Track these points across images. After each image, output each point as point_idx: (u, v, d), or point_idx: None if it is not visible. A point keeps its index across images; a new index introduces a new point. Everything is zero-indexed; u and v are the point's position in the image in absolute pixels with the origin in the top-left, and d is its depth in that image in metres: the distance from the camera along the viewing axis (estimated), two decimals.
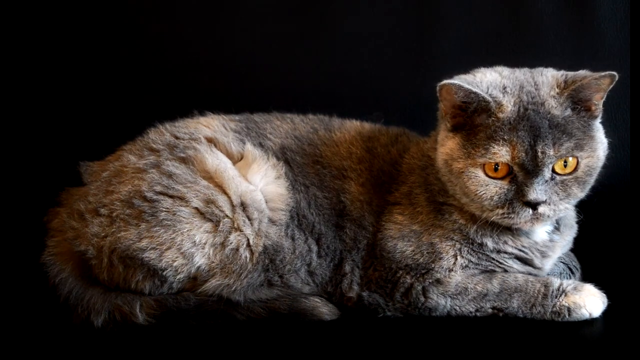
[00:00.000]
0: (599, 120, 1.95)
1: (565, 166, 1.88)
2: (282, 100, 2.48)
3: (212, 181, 2.02)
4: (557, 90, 1.91)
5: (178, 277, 1.99)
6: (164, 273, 1.98)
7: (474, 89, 1.87)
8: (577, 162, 1.89)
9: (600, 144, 1.93)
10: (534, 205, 1.88)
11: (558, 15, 2.81)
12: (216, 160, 2.05)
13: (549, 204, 1.89)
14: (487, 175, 1.91)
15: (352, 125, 2.25)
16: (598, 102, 1.92)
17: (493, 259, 2.02)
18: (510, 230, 2.00)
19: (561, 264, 2.15)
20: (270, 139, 2.19)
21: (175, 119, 2.24)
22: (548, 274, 2.08)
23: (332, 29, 2.93)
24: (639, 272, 2.25)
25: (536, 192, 1.87)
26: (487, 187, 1.91)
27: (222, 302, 2.02)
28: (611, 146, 1.98)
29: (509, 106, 1.90)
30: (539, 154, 1.85)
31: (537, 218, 1.90)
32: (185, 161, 2.05)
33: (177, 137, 2.13)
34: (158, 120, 2.23)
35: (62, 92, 2.95)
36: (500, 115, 1.89)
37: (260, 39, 2.95)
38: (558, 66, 1.99)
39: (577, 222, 2.16)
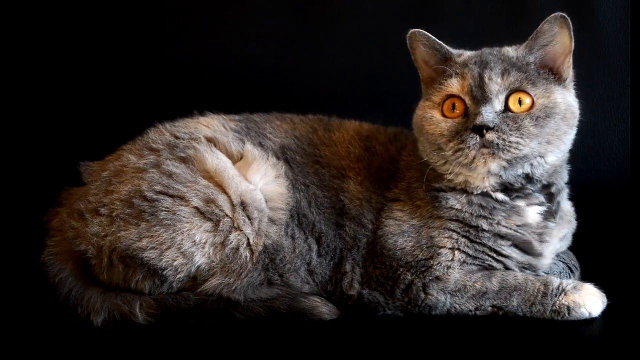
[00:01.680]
0: (568, 83, 2.02)
1: (520, 105, 1.94)
2: (282, 100, 2.49)
3: (212, 181, 2.02)
4: (516, 45, 2.04)
5: (178, 276, 1.99)
6: (164, 273, 1.98)
7: (435, 39, 2.04)
8: (533, 102, 1.94)
9: (564, 98, 1.98)
10: (480, 131, 1.90)
11: None
12: (216, 160, 2.05)
13: (498, 132, 1.90)
14: (444, 115, 2.00)
15: (351, 125, 2.26)
16: (562, 64, 2.00)
17: (491, 248, 2.01)
18: (499, 203, 2.01)
19: (561, 263, 2.15)
20: (270, 139, 2.19)
21: (175, 119, 2.25)
22: (548, 273, 2.08)
23: (332, 29, 2.94)
24: (639, 272, 2.26)
25: (482, 117, 1.90)
26: (439, 125, 1.99)
27: (222, 302, 2.02)
28: (611, 146, 1.99)
29: (467, 53, 2.06)
30: (487, 80, 1.94)
31: (488, 149, 1.91)
32: (185, 161, 2.05)
33: (177, 137, 2.13)
34: (158, 120, 2.23)
35: (62, 92, 2.96)
36: (458, 60, 2.04)
37: (260, 39, 2.96)
38: None
39: (577, 220, 2.17)
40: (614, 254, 2.41)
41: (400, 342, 1.92)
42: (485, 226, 2.01)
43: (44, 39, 2.95)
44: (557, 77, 2.00)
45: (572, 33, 1.96)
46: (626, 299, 2.05)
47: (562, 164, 2.06)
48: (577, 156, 2.33)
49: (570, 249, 2.21)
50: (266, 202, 2.06)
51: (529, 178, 2.00)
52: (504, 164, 1.94)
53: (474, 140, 1.91)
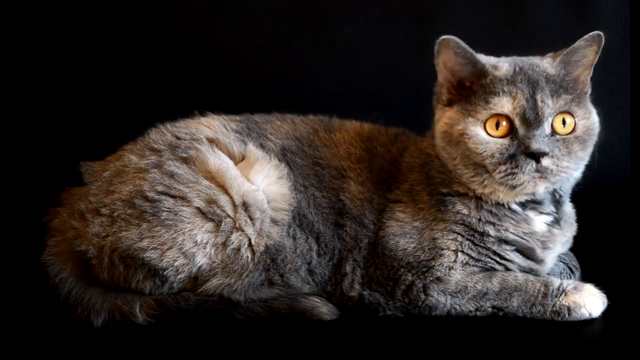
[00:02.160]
0: (588, 96, 2.02)
1: (564, 125, 1.92)
2: (282, 100, 2.49)
3: (214, 181, 2.02)
4: (549, 57, 2.02)
5: (179, 277, 1.99)
6: (165, 273, 1.98)
7: (468, 47, 1.95)
8: (575, 123, 1.93)
9: (594, 115, 1.99)
10: (537, 157, 1.89)
11: (558, 15, 2.82)
12: (218, 161, 2.05)
13: (552, 157, 1.90)
14: (488, 134, 1.94)
15: (352, 126, 2.25)
16: (586, 78, 2.01)
17: (495, 252, 2.01)
18: (511, 212, 2.01)
19: (561, 263, 2.15)
20: (271, 139, 2.19)
21: (175, 119, 2.24)
22: (548, 274, 2.08)
23: (332, 29, 2.94)
24: (639, 272, 2.26)
25: (539, 142, 1.89)
26: (487, 145, 1.94)
27: (222, 302, 2.01)
28: (611, 146, 2.00)
29: (504, 66, 1.98)
30: (539, 102, 1.90)
31: (540, 173, 1.90)
32: (186, 161, 2.05)
33: (178, 138, 2.13)
34: (159, 121, 2.23)
35: (62, 92, 2.96)
36: (497, 73, 1.96)
37: (260, 39, 2.96)
38: None
39: (577, 222, 2.17)
40: (614, 254, 2.41)
41: (400, 342, 1.92)
42: (492, 232, 2.00)
43: (44, 39, 2.94)
44: (581, 91, 1.99)
45: (600, 50, 1.96)
46: (626, 299, 2.05)
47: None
48: None
49: (571, 249, 2.21)
50: (268, 202, 2.06)
51: (554, 193, 2.02)
52: (551, 185, 1.97)
53: (530, 165, 1.89)
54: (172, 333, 1.97)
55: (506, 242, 2.01)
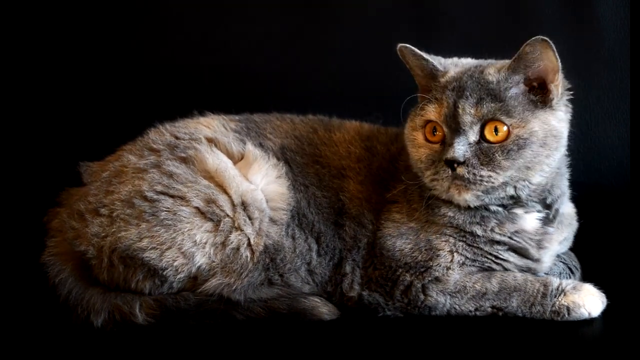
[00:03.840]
0: (556, 104, 1.95)
1: (496, 134, 1.91)
2: (282, 100, 2.48)
3: (212, 181, 2.02)
4: (500, 64, 1.99)
5: (178, 276, 1.99)
6: (165, 273, 1.98)
7: (421, 53, 2.01)
8: (510, 132, 1.91)
9: (542, 125, 1.93)
10: (451, 165, 1.90)
11: (558, 15, 2.81)
12: (217, 160, 2.05)
13: (468, 166, 1.90)
14: (425, 139, 1.99)
15: (352, 126, 2.26)
16: (552, 84, 1.94)
17: (488, 252, 2.01)
18: (491, 212, 2.00)
19: (561, 263, 2.15)
20: (270, 139, 2.19)
21: (175, 119, 2.25)
22: (547, 274, 2.08)
23: (332, 29, 2.94)
24: (639, 272, 2.25)
25: (454, 150, 1.90)
26: (419, 149, 2.00)
27: (222, 302, 2.01)
28: (611, 146, 1.99)
29: (450, 72, 2.00)
30: (460, 110, 1.91)
31: (456, 180, 1.91)
32: (185, 161, 2.05)
33: (177, 137, 2.13)
34: (158, 121, 2.23)
35: (62, 92, 2.96)
36: (441, 79, 2.00)
37: (260, 39, 2.96)
38: None
39: (577, 221, 2.18)
40: (614, 254, 2.41)
41: (400, 342, 1.92)
42: (479, 232, 2.00)
43: (44, 39, 2.95)
44: (544, 97, 1.95)
45: (556, 53, 1.91)
46: (626, 299, 2.05)
47: (554, 177, 2.03)
48: (577, 156, 2.33)
49: (571, 249, 2.21)
50: (267, 202, 2.06)
51: (514, 198, 1.99)
52: (479, 193, 1.95)
53: (446, 173, 1.92)
54: (172, 333, 1.97)
55: (496, 242, 2.01)
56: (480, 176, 1.90)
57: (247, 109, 2.34)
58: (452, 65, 2.04)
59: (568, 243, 2.18)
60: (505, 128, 1.90)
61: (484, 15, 2.87)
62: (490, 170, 1.90)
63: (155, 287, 2.02)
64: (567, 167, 2.12)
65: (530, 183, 1.97)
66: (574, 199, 2.20)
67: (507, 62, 1.97)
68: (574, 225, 2.17)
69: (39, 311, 2.08)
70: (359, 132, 2.23)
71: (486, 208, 2.00)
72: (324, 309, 2.04)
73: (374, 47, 2.89)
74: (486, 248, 2.01)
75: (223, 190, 2.01)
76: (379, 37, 2.88)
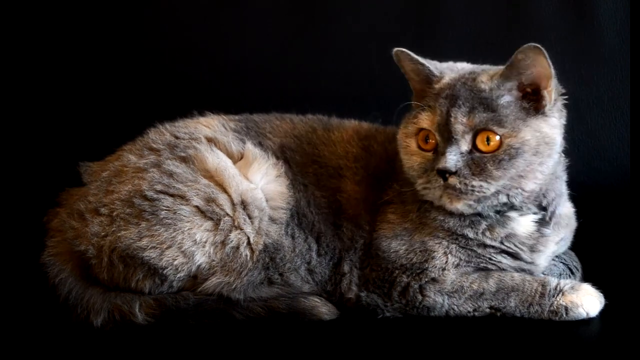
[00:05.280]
0: (549, 110, 1.94)
1: (488, 144, 1.89)
2: (282, 100, 2.49)
3: (212, 180, 2.02)
4: (493, 71, 1.97)
5: (178, 275, 1.99)
6: (165, 272, 1.98)
7: (417, 58, 2.00)
8: (501, 142, 1.89)
9: (534, 133, 1.91)
10: (443, 175, 1.90)
11: (558, 15, 2.81)
12: (216, 159, 2.05)
13: (459, 177, 1.90)
14: (418, 146, 1.98)
15: (350, 125, 2.26)
16: (545, 90, 1.92)
17: (481, 254, 2.01)
18: (481, 216, 1.99)
19: (561, 264, 2.15)
20: (270, 138, 2.19)
21: (175, 119, 2.25)
22: (546, 274, 2.08)
23: (332, 29, 2.94)
24: (637, 272, 2.25)
25: (446, 160, 1.89)
26: (412, 157, 1.99)
27: (222, 302, 2.02)
28: (611, 146, 1.98)
29: (445, 78, 1.99)
30: (452, 119, 1.90)
31: (448, 189, 1.91)
32: (185, 160, 2.05)
33: (177, 137, 2.13)
34: (158, 121, 2.23)
35: (62, 92, 2.96)
36: (436, 86, 1.99)
37: (259, 39, 2.96)
38: (558, 66, 1.99)
39: (578, 221, 2.18)
40: (613, 254, 2.41)
41: (400, 342, 1.92)
42: (471, 234, 2.00)
43: (44, 38, 2.95)
44: (537, 103, 1.94)
45: (549, 60, 1.89)
46: (624, 299, 2.05)
47: (549, 181, 2.01)
48: (577, 156, 2.33)
49: (571, 249, 2.21)
50: (267, 201, 2.06)
51: (508, 204, 1.98)
52: (471, 203, 1.95)
53: (438, 182, 1.92)
54: (172, 332, 1.97)
55: (487, 246, 2.01)
56: (472, 186, 1.90)
57: (246, 108, 2.35)
58: (448, 70, 2.03)
59: (566, 243, 2.17)
60: (497, 138, 1.89)
61: (484, 15, 2.86)
62: (482, 180, 1.90)
63: (155, 286, 2.02)
64: (564, 169, 2.11)
65: (523, 191, 1.96)
66: (574, 199, 2.20)
67: (500, 68, 1.96)
68: (573, 225, 2.17)
69: (39, 311, 2.08)
70: (357, 131, 2.23)
71: (478, 213, 2.00)
72: (324, 309, 2.04)
73: (374, 47, 2.89)
74: (479, 250, 2.01)
75: (223, 190, 2.01)
76: (379, 36, 2.88)
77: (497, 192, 1.94)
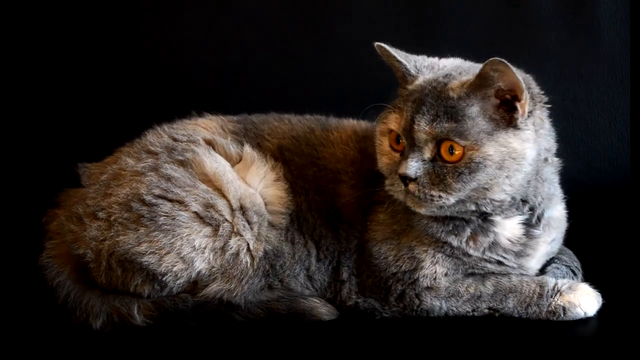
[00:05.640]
0: (523, 129, 1.87)
1: (451, 153, 1.85)
2: (280, 100, 2.48)
3: (211, 184, 2.01)
4: (465, 79, 1.89)
5: (178, 282, 1.98)
6: (164, 278, 1.97)
7: (394, 54, 1.97)
8: (464, 153, 1.84)
9: (499, 147, 1.84)
10: (404, 180, 1.89)
11: (558, 16, 2.81)
12: (215, 163, 2.04)
13: (419, 185, 1.87)
14: (390, 146, 1.96)
15: (349, 125, 2.24)
16: (520, 102, 1.85)
17: (466, 262, 2.00)
18: (462, 221, 1.97)
19: (563, 267, 2.13)
20: (268, 139, 2.18)
21: (173, 120, 2.24)
22: (544, 273, 2.08)
23: (331, 29, 2.94)
24: (636, 272, 2.25)
25: (407, 167, 1.87)
26: (383, 157, 1.98)
27: (221, 304, 2.01)
28: (611, 146, 1.97)
29: (419, 81, 1.94)
30: (415, 126, 1.86)
31: (409, 194, 1.90)
32: (183, 164, 2.04)
33: (175, 140, 2.12)
34: (156, 122, 2.23)
35: (62, 92, 2.96)
36: (409, 87, 1.95)
37: (258, 40, 2.96)
38: (558, 66, 1.99)
39: (576, 220, 2.17)
40: (613, 254, 2.40)
41: (399, 342, 1.92)
42: (455, 243, 1.98)
43: (43, 39, 2.94)
44: (511, 115, 1.86)
45: (517, 74, 1.80)
46: (623, 298, 2.06)
47: (531, 186, 1.95)
48: (577, 156, 2.33)
49: (570, 249, 2.21)
50: (266, 205, 2.06)
51: (480, 212, 1.95)
52: (433, 209, 1.92)
53: (400, 187, 1.91)
54: (170, 334, 1.96)
55: (471, 255, 1.99)
56: (431, 195, 1.87)
57: (245, 109, 2.34)
58: (427, 70, 1.97)
59: (558, 243, 2.13)
60: (458, 149, 1.84)
61: (484, 15, 2.86)
62: (440, 191, 1.86)
63: (154, 292, 2.00)
64: (556, 172, 2.06)
65: (493, 200, 1.91)
66: (574, 198, 2.19)
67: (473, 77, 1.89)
68: (563, 227, 2.13)
69: (37, 313, 2.08)
70: (355, 131, 2.21)
71: (462, 217, 1.97)
72: (323, 310, 2.04)
73: (374, 47, 2.88)
74: (465, 259, 1.99)
75: (221, 195, 2.00)
76: (378, 36, 2.87)
77: (462, 201, 1.89)
